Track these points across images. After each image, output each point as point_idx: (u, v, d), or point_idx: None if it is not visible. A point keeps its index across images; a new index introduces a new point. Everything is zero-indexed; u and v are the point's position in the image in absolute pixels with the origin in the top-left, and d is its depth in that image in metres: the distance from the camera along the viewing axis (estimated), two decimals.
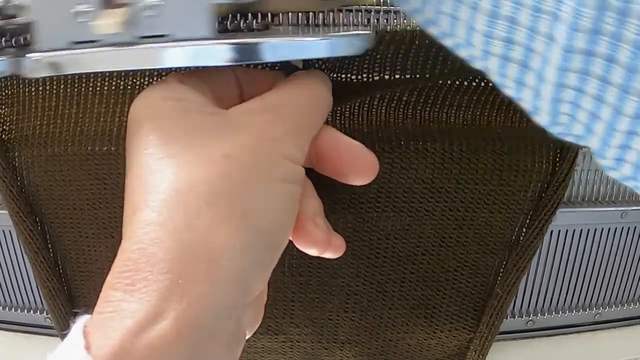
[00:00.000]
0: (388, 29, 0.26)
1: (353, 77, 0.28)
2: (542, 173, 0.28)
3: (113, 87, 0.29)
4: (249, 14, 0.25)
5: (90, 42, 0.22)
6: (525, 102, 0.21)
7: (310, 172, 0.26)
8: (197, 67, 0.27)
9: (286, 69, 0.28)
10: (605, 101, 0.18)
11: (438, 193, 0.29)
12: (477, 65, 0.21)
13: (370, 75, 0.28)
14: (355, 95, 0.29)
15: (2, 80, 0.30)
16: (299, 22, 0.27)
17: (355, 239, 0.30)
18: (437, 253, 0.30)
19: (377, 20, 0.29)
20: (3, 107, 0.30)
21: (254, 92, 0.25)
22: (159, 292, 0.19)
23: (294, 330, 0.33)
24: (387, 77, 0.28)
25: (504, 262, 0.30)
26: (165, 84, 0.24)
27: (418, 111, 0.29)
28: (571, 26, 0.18)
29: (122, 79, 0.29)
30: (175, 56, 0.22)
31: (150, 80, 0.29)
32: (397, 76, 0.28)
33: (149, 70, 0.29)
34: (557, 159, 0.28)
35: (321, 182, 0.26)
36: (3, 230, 0.39)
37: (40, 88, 0.29)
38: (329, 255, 0.27)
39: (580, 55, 0.18)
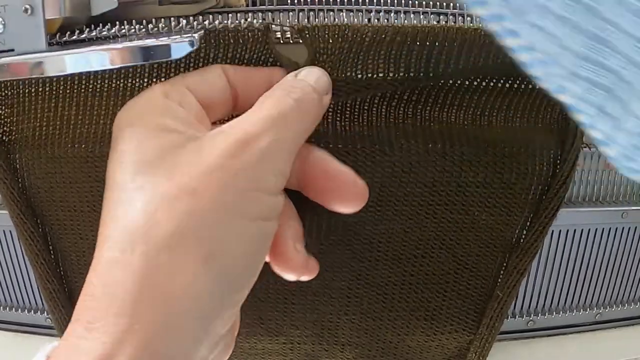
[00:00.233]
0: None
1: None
2: (543, 175, 0.28)
3: (113, 88, 0.29)
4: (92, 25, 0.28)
5: None
6: (600, 131, 0.19)
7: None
8: (185, 71, 0.27)
9: (286, 65, 0.28)
10: None
11: (439, 196, 0.29)
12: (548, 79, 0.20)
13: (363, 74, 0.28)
14: (355, 92, 0.29)
15: (2, 81, 0.29)
16: (149, 29, 0.28)
17: (356, 241, 0.30)
18: (438, 255, 0.30)
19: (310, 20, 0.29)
20: (3, 107, 0.30)
21: (250, 93, 0.25)
22: (114, 335, 0.19)
23: (295, 332, 0.33)
24: (389, 75, 0.28)
25: (504, 264, 0.30)
26: (149, 98, 0.23)
27: (419, 111, 0.29)
28: None
29: (122, 79, 0.29)
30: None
31: (150, 82, 0.29)
32: (399, 75, 0.28)
33: (149, 71, 0.28)
34: (558, 161, 0.28)
35: None
36: (3, 231, 0.39)
37: (40, 89, 0.29)
38: (304, 278, 0.26)
39: None
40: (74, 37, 0.28)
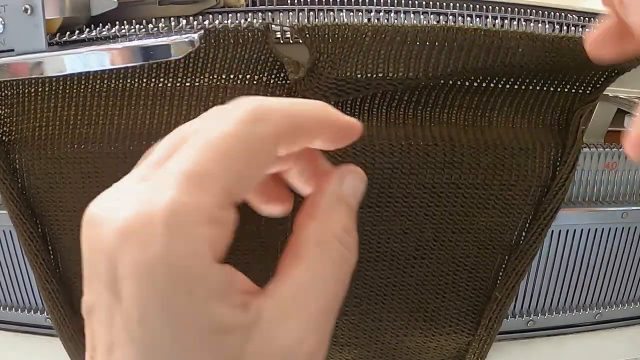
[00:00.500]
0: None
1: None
2: (543, 177, 0.28)
3: (112, 89, 0.29)
4: (92, 25, 0.28)
5: None
6: None
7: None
8: (185, 71, 0.28)
9: (287, 65, 0.28)
10: None
11: (438, 197, 0.29)
12: None
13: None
14: (355, 92, 0.29)
15: (2, 81, 0.29)
16: (149, 29, 0.28)
17: None
18: (437, 256, 0.30)
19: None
20: (3, 108, 0.30)
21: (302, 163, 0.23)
22: None
23: None
24: (389, 75, 0.28)
25: (503, 265, 0.30)
26: (189, 252, 0.18)
27: (419, 111, 0.29)
28: None
29: (121, 80, 0.29)
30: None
31: (150, 82, 0.29)
32: (399, 75, 0.28)
33: (148, 71, 0.28)
34: (558, 163, 0.28)
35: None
36: (3, 231, 0.39)
37: (40, 89, 0.29)
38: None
39: None
40: (74, 37, 0.28)
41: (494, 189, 0.28)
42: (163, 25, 0.28)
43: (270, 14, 0.30)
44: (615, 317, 0.42)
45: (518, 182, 0.28)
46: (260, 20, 0.29)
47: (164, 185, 0.18)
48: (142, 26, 0.28)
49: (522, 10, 0.31)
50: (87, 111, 0.29)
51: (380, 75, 0.28)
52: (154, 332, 0.17)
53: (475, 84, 0.29)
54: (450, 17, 0.31)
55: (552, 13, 0.31)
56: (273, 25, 0.28)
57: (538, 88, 0.29)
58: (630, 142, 0.22)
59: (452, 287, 0.30)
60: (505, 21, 0.31)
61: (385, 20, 0.30)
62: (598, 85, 0.29)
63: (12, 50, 0.26)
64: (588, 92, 0.29)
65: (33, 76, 0.27)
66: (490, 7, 0.31)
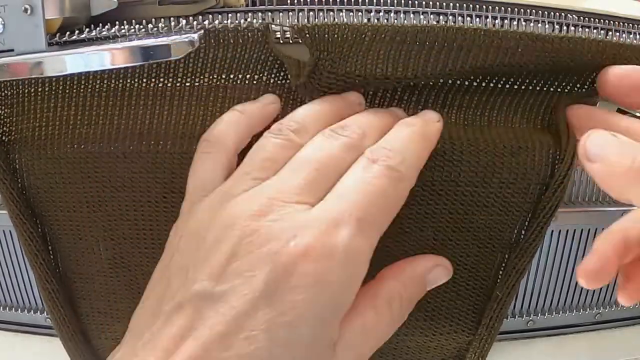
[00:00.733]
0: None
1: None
2: (542, 175, 0.28)
3: (112, 89, 0.29)
4: (92, 25, 0.28)
5: None
6: None
7: None
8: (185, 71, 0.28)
9: (287, 64, 0.28)
10: None
11: (438, 196, 0.29)
12: None
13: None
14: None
15: (2, 81, 0.29)
16: (149, 29, 0.28)
17: None
18: (436, 255, 0.30)
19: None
20: (3, 108, 0.30)
21: None
22: None
23: None
24: (389, 75, 0.28)
25: (504, 264, 0.30)
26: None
27: (419, 111, 0.29)
28: None
29: (121, 80, 0.29)
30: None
31: (150, 82, 0.29)
32: (398, 74, 0.28)
33: (148, 71, 0.29)
34: (557, 161, 0.28)
35: None
36: (3, 231, 0.39)
37: (40, 89, 0.29)
38: None
39: None
40: (74, 37, 0.28)
41: (493, 187, 0.28)
42: (163, 25, 0.28)
43: (270, 14, 0.30)
44: (615, 317, 0.42)
45: (517, 180, 0.28)
46: (260, 20, 0.29)
47: (342, 222, 0.22)
48: (142, 26, 0.29)
49: (522, 10, 0.31)
50: (87, 111, 0.29)
51: (380, 74, 0.28)
52: (296, 332, 0.22)
53: (475, 84, 0.29)
54: (450, 17, 0.31)
55: (552, 13, 0.31)
56: (273, 25, 0.28)
57: (538, 88, 0.29)
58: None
59: (452, 286, 0.30)
60: (505, 21, 0.31)
61: (385, 20, 0.30)
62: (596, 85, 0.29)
63: (12, 50, 0.26)
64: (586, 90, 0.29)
65: (33, 76, 0.27)
66: (490, 7, 0.31)
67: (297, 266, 0.22)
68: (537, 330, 0.41)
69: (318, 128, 0.26)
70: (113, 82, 0.29)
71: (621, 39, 0.31)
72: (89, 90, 0.29)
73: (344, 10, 0.30)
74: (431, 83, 0.29)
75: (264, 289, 0.21)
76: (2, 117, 0.30)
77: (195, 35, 0.26)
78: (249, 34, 0.28)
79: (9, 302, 0.41)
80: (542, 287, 0.40)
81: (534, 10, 0.31)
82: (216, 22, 0.28)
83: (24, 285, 0.41)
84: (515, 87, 0.29)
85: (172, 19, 0.29)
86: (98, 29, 0.28)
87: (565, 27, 0.31)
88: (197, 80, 0.29)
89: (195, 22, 0.29)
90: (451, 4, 0.31)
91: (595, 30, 0.32)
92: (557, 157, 0.28)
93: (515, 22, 0.31)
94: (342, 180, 0.24)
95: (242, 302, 0.21)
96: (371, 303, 0.25)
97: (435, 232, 0.30)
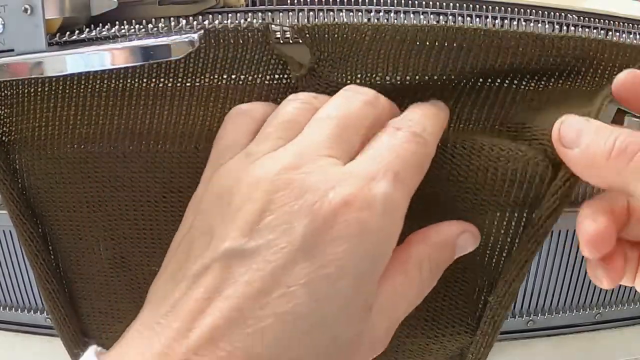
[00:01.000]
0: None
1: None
2: (537, 183, 0.28)
3: (112, 89, 0.29)
4: (92, 25, 0.28)
5: None
6: None
7: None
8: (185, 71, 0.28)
9: (291, 65, 0.28)
10: None
11: (436, 195, 0.29)
12: None
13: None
14: None
15: (2, 81, 0.29)
16: (149, 29, 0.28)
17: None
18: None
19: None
20: (3, 108, 0.30)
21: None
22: None
23: None
24: (389, 74, 0.28)
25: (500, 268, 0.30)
26: None
27: None
28: None
29: (121, 80, 0.29)
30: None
31: (150, 83, 0.29)
32: (399, 74, 0.28)
33: (148, 71, 0.29)
34: (555, 165, 0.28)
35: None
36: (3, 231, 0.39)
37: (40, 89, 0.29)
38: None
39: None
40: (74, 37, 0.28)
41: (486, 191, 0.28)
42: (163, 25, 0.28)
43: (270, 14, 0.30)
44: (615, 317, 0.42)
45: (516, 182, 0.28)
46: (260, 20, 0.29)
47: (378, 176, 0.22)
48: (142, 26, 0.29)
49: (522, 10, 0.31)
50: (87, 111, 0.29)
51: (380, 74, 0.28)
52: (337, 286, 0.21)
53: (477, 84, 0.29)
54: (450, 17, 0.31)
55: (552, 13, 0.31)
56: (273, 25, 0.28)
57: (537, 87, 0.29)
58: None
59: (454, 286, 0.30)
60: (505, 21, 0.31)
61: (385, 20, 0.30)
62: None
63: (12, 50, 0.26)
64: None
65: (33, 76, 0.27)
66: (490, 7, 0.31)
67: (337, 217, 0.21)
68: (537, 330, 0.41)
69: None
70: (113, 82, 0.29)
71: (621, 39, 0.31)
72: (89, 90, 0.29)
73: (344, 10, 0.30)
74: (430, 82, 0.29)
75: (303, 242, 0.21)
76: (2, 117, 0.30)
77: (195, 35, 0.26)
78: (249, 34, 0.28)
79: (9, 302, 0.41)
80: (542, 287, 0.40)
81: (534, 10, 0.31)
82: (216, 22, 0.28)
83: (24, 285, 0.41)
84: (514, 86, 0.29)
85: (172, 19, 0.29)
86: (98, 29, 0.28)
87: (565, 27, 0.31)
88: (197, 80, 0.29)
89: (195, 22, 0.29)
90: (451, 4, 0.31)
91: (595, 30, 0.32)
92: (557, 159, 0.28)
93: (515, 22, 0.31)
94: (371, 145, 0.24)
95: (278, 256, 0.20)
96: (401, 267, 0.24)
97: None
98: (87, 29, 0.28)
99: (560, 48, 0.27)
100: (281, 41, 0.29)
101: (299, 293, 0.20)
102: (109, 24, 0.28)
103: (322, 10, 0.30)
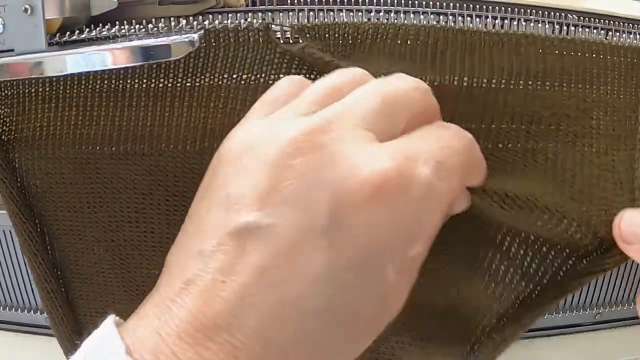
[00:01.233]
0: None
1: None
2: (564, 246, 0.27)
3: (112, 89, 0.29)
4: (92, 25, 0.28)
5: None
6: None
7: None
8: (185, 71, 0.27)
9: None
10: None
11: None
12: None
13: None
14: None
15: (2, 81, 0.29)
16: (149, 29, 0.28)
17: None
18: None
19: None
20: (3, 107, 0.30)
21: None
22: None
23: None
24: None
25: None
26: None
27: None
28: None
29: (121, 80, 0.29)
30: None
31: (150, 83, 0.29)
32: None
33: (148, 71, 0.29)
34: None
35: None
36: (3, 231, 0.39)
37: (40, 89, 0.29)
38: None
39: None
40: (74, 37, 0.28)
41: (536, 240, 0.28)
42: (163, 25, 0.28)
43: (270, 14, 0.30)
44: (615, 317, 0.42)
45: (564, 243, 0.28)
46: (260, 20, 0.29)
47: (420, 159, 0.19)
48: (142, 26, 0.28)
49: (522, 10, 0.31)
50: (88, 112, 0.29)
51: (382, 74, 0.28)
52: (355, 274, 0.19)
53: (477, 84, 0.29)
54: (450, 17, 0.31)
55: (552, 13, 0.31)
56: (273, 25, 0.28)
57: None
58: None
59: (450, 311, 0.30)
60: (505, 21, 0.31)
61: (385, 20, 0.30)
62: None
63: (12, 50, 0.26)
64: None
65: (33, 76, 0.27)
66: (490, 7, 0.31)
67: (367, 197, 0.18)
68: (537, 330, 0.41)
69: None
70: (113, 82, 0.29)
71: (621, 39, 0.31)
72: (90, 90, 0.29)
73: (344, 10, 0.30)
74: (433, 83, 0.29)
75: (324, 222, 0.18)
76: (2, 116, 0.30)
77: (195, 35, 0.26)
78: (249, 33, 0.28)
79: (9, 302, 0.42)
80: None
81: (534, 10, 0.31)
82: (216, 22, 0.28)
83: (24, 285, 0.41)
84: (512, 86, 0.29)
85: (172, 19, 0.29)
86: (98, 29, 0.28)
87: (565, 27, 0.31)
88: (197, 80, 0.29)
89: (195, 22, 0.29)
90: (451, 4, 0.31)
91: (595, 30, 0.32)
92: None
93: (515, 22, 0.31)
94: (415, 131, 0.21)
95: (295, 236, 0.18)
96: None
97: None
98: (87, 29, 0.28)
99: (560, 48, 0.27)
100: (281, 41, 0.29)
101: (316, 277, 0.18)
102: (109, 24, 0.28)
103: (322, 10, 0.30)
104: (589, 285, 0.40)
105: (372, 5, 0.30)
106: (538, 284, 0.28)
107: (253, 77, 0.29)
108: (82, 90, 0.29)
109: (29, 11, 0.26)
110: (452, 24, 0.30)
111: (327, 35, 0.27)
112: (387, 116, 0.21)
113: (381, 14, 0.30)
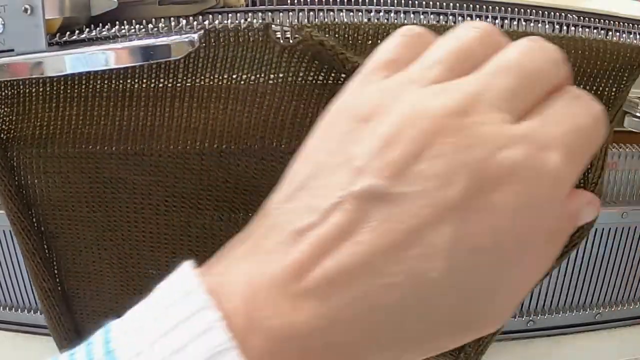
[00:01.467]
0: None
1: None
2: None
3: (112, 89, 0.29)
4: (92, 25, 0.28)
5: None
6: None
7: None
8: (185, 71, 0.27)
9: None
10: None
11: None
12: None
13: None
14: None
15: (3, 80, 0.29)
16: (149, 29, 0.28)
17: None
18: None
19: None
20: (3, 107, 0.30)
21: None
22: None
23: None
24: None
25: None
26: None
27: None
28: None
29: (122, 80, 0.29)
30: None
31: (150, 83, 0.29)
32: None
33: (148, 71, 0.29)
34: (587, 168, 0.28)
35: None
36: (3, 231, 0.39)
37: (41, 89, 0.29)
38: None
39: None
40: (74, 37, 0.28)
41: None
42: (163, 25, 0.28)
43: (270, 14, 0.30)
44: (615, 317, 0.42)
45: None
46: (260, 20, 0.29)
47: (551, 147, 0.19)
48: (142, 26, 0.28)
49: (522, 10, 0.31)
50: (89, 112, 0.29)
51: None
52: (480, 258, 0.19)
53: None
54: (450, 17, 0.31)
55: (552, 13, 0.31)
56: (273, 25, 0.28)
57: None
58: None
59: None
60: (505, 21, 0.31)
61: (385, 20, 0.30)
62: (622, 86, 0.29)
63: (12, 50, 0.26)
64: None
65: (33, 76, 0.27)
66: (490, 7, 0.31)
67: (502, 182, 0.18)
68: (537, 330, 0.41)
69: None
70: (114, 82, 0.29)
71: (621, 39, 0.31)
72: (90, 90, 0.29)
73: (344, 10, 0.30)
74: None
75: (458, 202, 0.18)
76: (2, 115, 0.30)
77: (195, 35, 0.26)
78: (249, 33, 0.28)
79: (9, 302, 0.42)
80: (542, 287, 0.40)
81: (534, 10, 0.31)
82: (216, 22, 0.28)
83: (24, 285, 0.41)
84: None
85: (172, 19, 0.29)
86: (98, 29, 0.28)
87: (565, 27, 0.31)
88: (197, 80, 0.29)
89: (195, 22, 0.29)
90: (451, 4, 0.31)
91: (595, 30, 0.32)
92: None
93: (515, 22, 0.31)
94: (546, 109, 0.21)
95: (427, 211, 0.18)
96: None
97: None
98: (87, 29, 0.28)
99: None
100: (281, 41, 0.29)
101: (440, 257, 0.18)
102: (109, 24, 0.28)
103: (322, 10, 0.30)
104: (589, 285, 0.40)
105: (372, 5, 0.30)
106: None
107: (253, 77, 0.29)
108: (82, 90, 0.29)
109: (29, 11, 0.26)
110: (452, 24, 0.30)
111: (327, 35, 0.27)
112: (520, 96, 0.20)
113: (381, 14, 0.30)
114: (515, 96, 0.20)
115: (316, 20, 0.30)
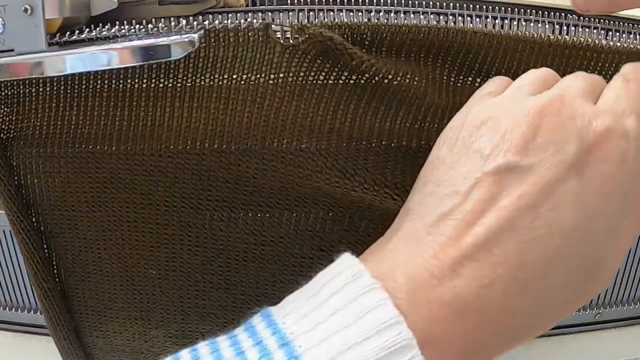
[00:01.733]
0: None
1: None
2: None
3: (112, 89, 0.29)
4: (92, 25, 0.28)
5: None
6: None
7: None
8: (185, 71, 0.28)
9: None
10: None
11: None
12: None
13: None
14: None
15: (3, 80, 0.29)
16: (149, 29, 0.28)
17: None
18: None
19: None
20: (3, 107, 0.30)
21: None
22: None
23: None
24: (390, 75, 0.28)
25: None
26: None
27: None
28: None
29: (122, 80, 0.29)
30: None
31: (150, 83, 0.29)
32: (399, 73, 0.28)
33: (148, 71, 0.29)
34: None
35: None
36: (3, 231, 0.39)
37: (41, 89, 0.29)
38: None
39: None
40: (74, 37, 0.28)
41: None
42: (163, 25, 0.28)
43: (270, 14, 0.30)
44: (615, 317, 0.42)
45: None
46: (260, 20, 0.29)
47: (625, 113, 0.24)
48: (142, 26, 0.29)
49: (522, 10, 0.31)
50: (89, 112, 0.29)
51: (381, 73, 0.28)
52: (603, 204, 0.23)
53: (476, 85, 0.29)
54: (450, 17, 0.31)
55: (552, 13, 0.31)
56: (273, 25, 0.28)
57: None
58: None
59: None
60: (505, 21, 0.31)
61: (385, 20, 0.30)
62: None
63: (12, 50, 0.26)
64: None
65: (33, 76, 0.27)
66: (490, 7, 0.31)
67: (602, 142, 0.23)
68: None
69: None
70: (114, 82, 0.29)
71: (621, 39, 0.31)
72: (90, 90, 0.29)
73: (344, 10, 0.30)
74: (430, 82, 0.29)
75: (574, 160, 0.22)
76: (2, 115, 0.30)
77: (195, 35, 0.26)
78: (249, 33, 0.28)
79: (9, 302, 0.42)
80: None
81: (534, 10, 0.31)
82: (216, 22, 0.28)
83: (24, 285, 0.41)
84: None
85: (172, 19, 0.29)
86: (98, 29, 0.28)
87: (565, 27, 0.31)
88: (197, 80, 0.29)
89: (195, 22, 0.29)
90: (451, 4, 0.31)
91: (595, 30, 0.32)
92: None
93: (515, 22, 0.31)
94: (608, 92, 0.25)
95: (552, 172, 0.22)
96: None
97: None
98: (87, 29, 0.28)
99: (557, 47, 0.28)
100: (281, 41, 0.29)
101: (569, 207, 0.22)
102: (109, 24, 0.28)
103: (322, 10, 0.30)
104: None
105: (372, 5, 0.30)
106: None
107: (253, 77, 0.29)
108: (82, 90, 0.29)
109: (29, 11, 0.26)
110: (452, 24, 0.30)
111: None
112: (592, 89, 0.25)
113: (381, 14, 0.30)
114: (589, 88, 0.25)
115: (316, 20, 0.30)
